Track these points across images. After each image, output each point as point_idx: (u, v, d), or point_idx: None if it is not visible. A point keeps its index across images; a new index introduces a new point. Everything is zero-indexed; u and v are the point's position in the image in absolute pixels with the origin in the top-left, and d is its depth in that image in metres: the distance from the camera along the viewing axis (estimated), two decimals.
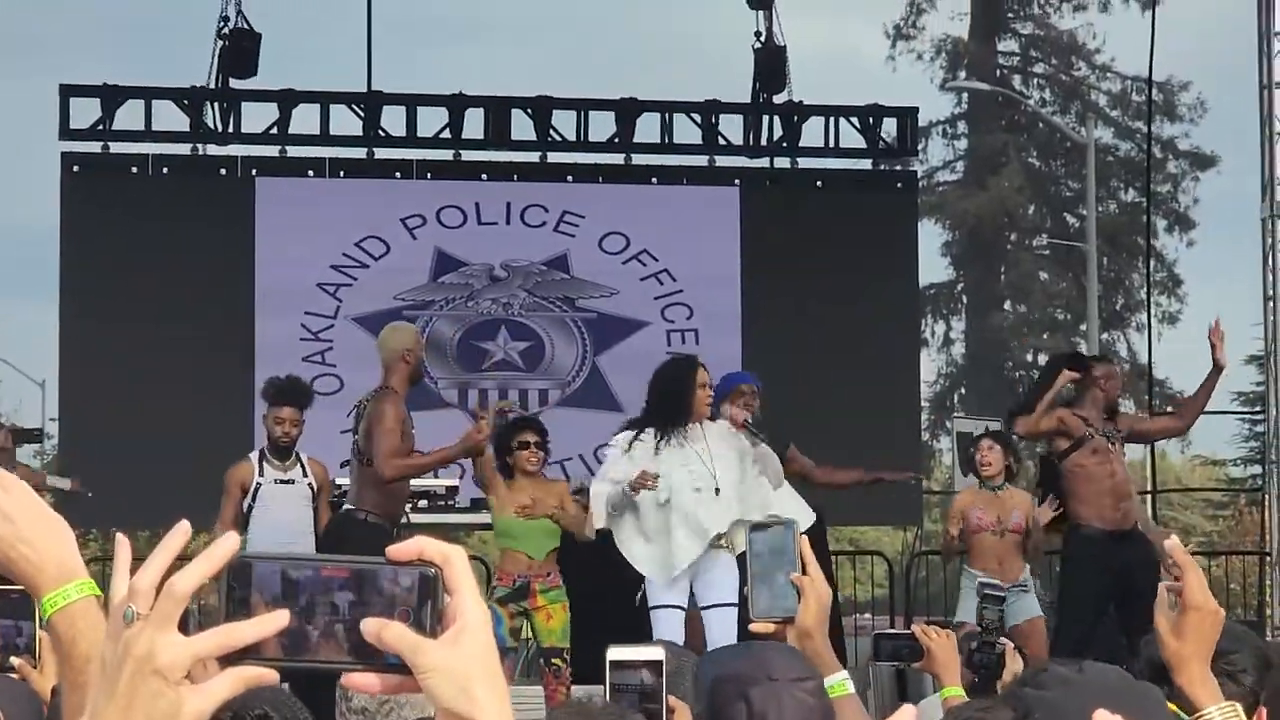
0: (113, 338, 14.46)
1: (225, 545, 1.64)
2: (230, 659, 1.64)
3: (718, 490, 9.31)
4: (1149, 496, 20.79)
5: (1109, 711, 2.14)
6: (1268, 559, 14.01)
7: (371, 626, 1.62)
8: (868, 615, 19.17)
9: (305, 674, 1.64)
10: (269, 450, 10.66)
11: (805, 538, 3.43)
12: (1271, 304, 15.04)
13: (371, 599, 1.63)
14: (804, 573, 3.39)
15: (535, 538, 10.21)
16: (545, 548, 10.22)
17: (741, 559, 3.54)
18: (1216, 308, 36.09)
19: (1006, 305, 39.12)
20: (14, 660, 3.95)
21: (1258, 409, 15.31)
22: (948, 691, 5.31)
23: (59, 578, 2.12)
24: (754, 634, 3.50)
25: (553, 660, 10.16)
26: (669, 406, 9.46)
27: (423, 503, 12.35)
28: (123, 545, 1.80)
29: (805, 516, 9.54)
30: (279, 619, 1.63)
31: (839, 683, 3.45)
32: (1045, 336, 38.69)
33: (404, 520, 10.60)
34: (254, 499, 10.56)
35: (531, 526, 10.20)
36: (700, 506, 9.30)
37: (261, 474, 10.59)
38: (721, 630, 9.23)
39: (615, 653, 3.35)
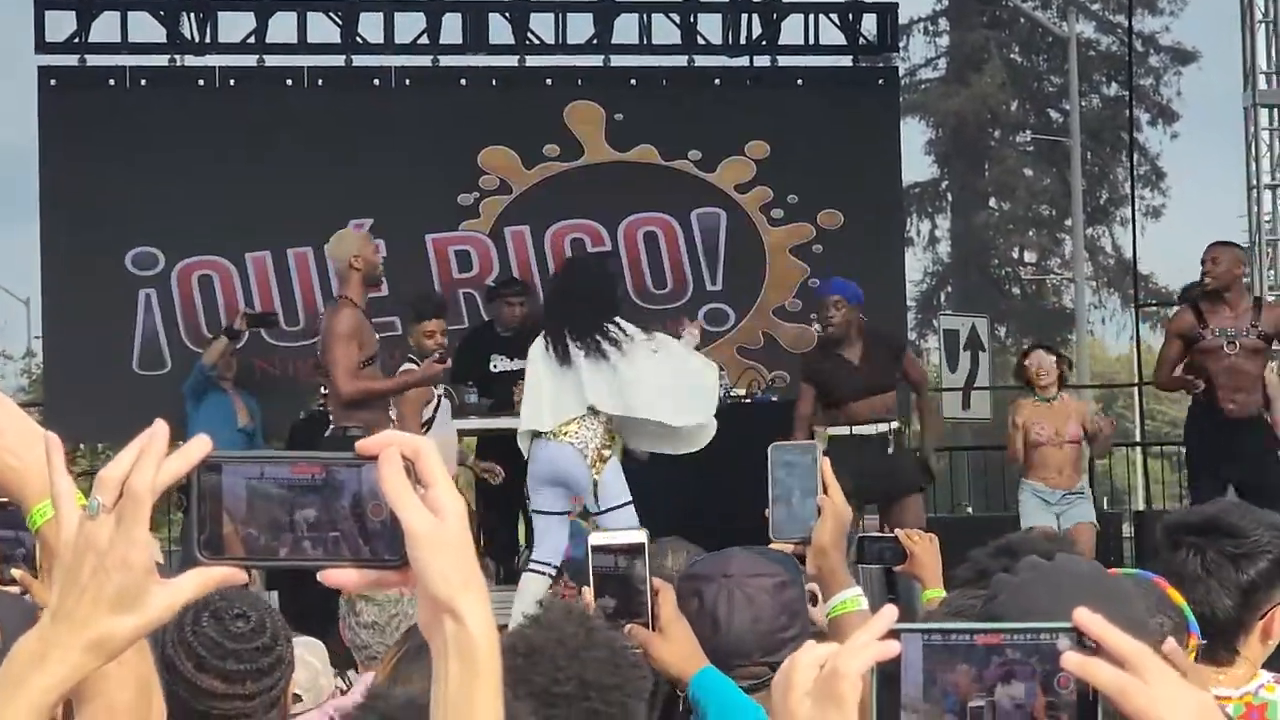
0: (94, 253, 14.37)
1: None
2: (202, 559, 1.62)
3: None
4: (1136, 389, 20.81)
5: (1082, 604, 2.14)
6: None
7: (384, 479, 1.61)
8: None
9: (294, 580, 1.63)
10: None
11: (826, 459, 3.49)
12: (1255, 193, 15.03)
13: (345, 494, 1.61)
14: (824, 492, 3.46)
15: None
16: None
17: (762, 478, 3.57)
18: (1200, 199, 35.95)
19: (991, 202, 39.07)
20: (14, 572, 3.86)
21: None
22: (931, 593, 5.32)
23: (45, 488, 2.10)
24: None
25: None
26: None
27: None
28: (54, 444, 1.77)
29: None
30: (202, 444, 1.61)
31: (852, 598, 3.50)
32: (1030, 233, 38.66)
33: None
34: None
35: None
36: None
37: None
38: None
39: (597, 538, 3.39)
